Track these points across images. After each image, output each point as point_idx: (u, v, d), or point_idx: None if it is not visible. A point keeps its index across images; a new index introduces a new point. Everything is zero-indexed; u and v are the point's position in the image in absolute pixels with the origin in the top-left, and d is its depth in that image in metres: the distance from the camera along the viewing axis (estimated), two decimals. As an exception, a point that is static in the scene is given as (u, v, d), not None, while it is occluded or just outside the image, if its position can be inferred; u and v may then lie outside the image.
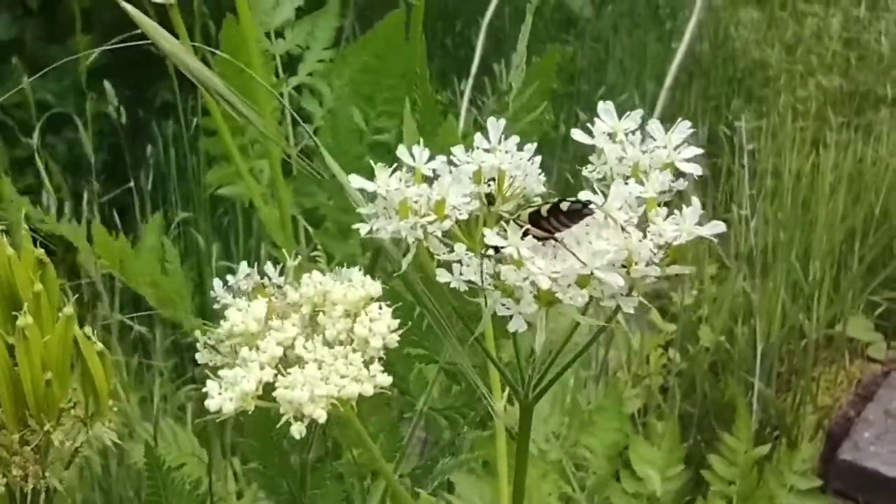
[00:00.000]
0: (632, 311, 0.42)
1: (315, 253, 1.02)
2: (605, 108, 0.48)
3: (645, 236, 0.42)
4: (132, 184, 1.89)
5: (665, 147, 0.46)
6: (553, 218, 0.42)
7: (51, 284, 0.51)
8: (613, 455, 1.36)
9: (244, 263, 0.62)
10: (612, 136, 0.47)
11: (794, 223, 1.90)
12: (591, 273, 0.41)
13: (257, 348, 0.41)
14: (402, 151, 0.45)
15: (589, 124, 0.48)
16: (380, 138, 1.06)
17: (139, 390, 1.63)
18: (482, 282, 0.43)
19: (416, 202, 0.44)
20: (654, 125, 0.47)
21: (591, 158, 0.48)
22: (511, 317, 0.42)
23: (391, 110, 1.02)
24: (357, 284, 0.42)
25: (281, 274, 0.59)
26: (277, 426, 0.39)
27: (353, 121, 1.05)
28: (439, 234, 0.43)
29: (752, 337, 1.86)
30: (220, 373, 0.40)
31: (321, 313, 0.42)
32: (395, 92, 1.02)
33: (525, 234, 0.42)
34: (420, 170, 0.45)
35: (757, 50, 2.44)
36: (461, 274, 0.44)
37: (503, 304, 0.42)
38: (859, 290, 1.97)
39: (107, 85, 1.70)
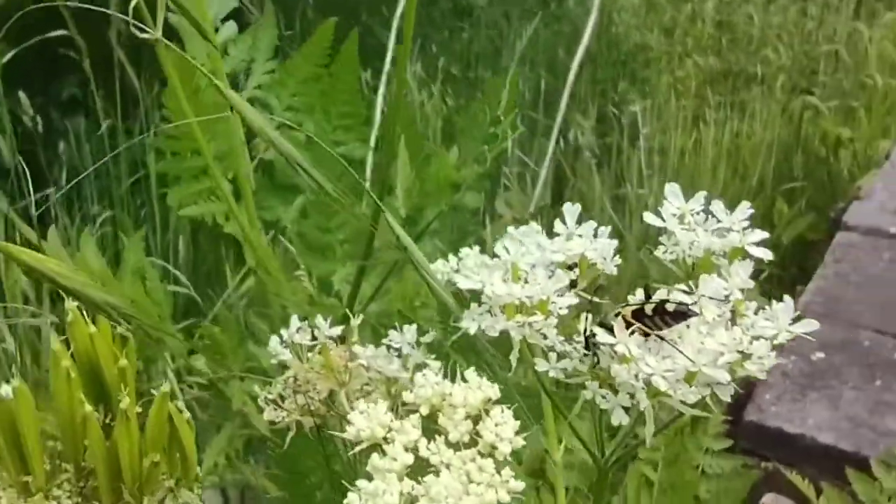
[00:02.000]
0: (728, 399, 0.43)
1: (299, 272, 1.01)
2: (673, 190, 0.48)
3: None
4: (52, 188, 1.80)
5: (731, 230, 0.47)
6: (658, 317, 0.43)
7: (131, 358, 0.49)
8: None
9: (295, 317, 0.61)
10: (680, 217, 0.48)
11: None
12: (699, 370, 0.41)
13: (383, 453, 0.40)
14: (499, 248, 0.44)
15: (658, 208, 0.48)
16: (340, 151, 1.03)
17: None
18: (580, 372, 0.43)
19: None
20: (718, 206, 0.48)
21: (661, 240, 0.48)
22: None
23: (348, 124, 1.01)
24: (474, 386, 0.41)
25: (331, 326, 0.58)
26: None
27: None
28: (546, 331, 0.43)
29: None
30: (359, 483, 0.39)
31: (440, 414, 0.41)
32: (350, 106, 1.00)
33: (630, 331, 0.42)
34: (518, 266, 0.44)
35: (638, 34, 2.48)
36: (558, 362, 0.44)
37: (603, 397, 0.43)
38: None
39: (22, 95, 1.61)
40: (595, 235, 0.47)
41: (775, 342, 0.42)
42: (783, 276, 2.13)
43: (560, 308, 0.43)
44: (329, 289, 0.99)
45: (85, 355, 0.49)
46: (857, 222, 2.00)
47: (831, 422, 1.64)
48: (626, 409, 0.43)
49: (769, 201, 2.19)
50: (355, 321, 0.60)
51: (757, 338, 0.42)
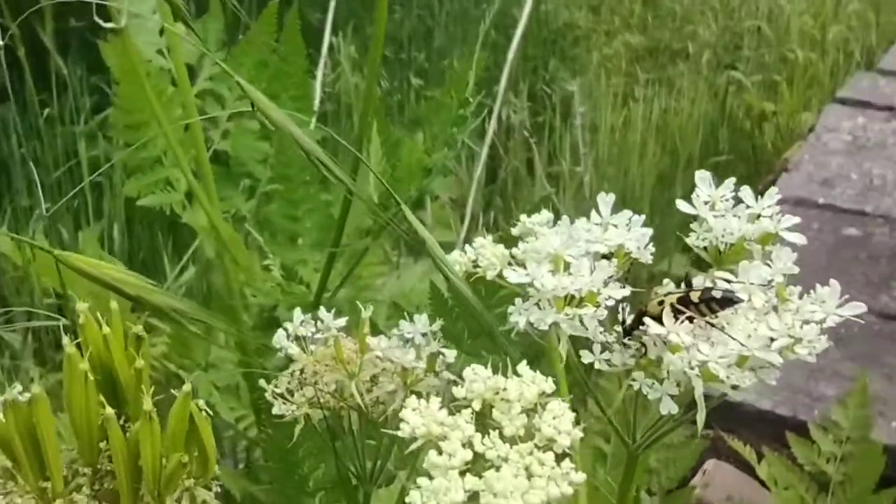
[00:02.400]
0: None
1: (267, 261, 0.98)
2: (702, 176, 0.48)
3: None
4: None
5: (763, 215, 0.46)
6: (704, 304, 0.42)
7: (146, 358, 0.48)
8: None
9: (298, 310, 0.59)
10: (712, 205, 0.47)
11: (618, 175, 1.98)
12: (752, 355, 0.41)
13: (440, 451, 0.39)
14: (541, 243, 0.43)
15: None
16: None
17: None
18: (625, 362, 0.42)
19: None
20: (747, 192, 0.48)
21: (693, 227, 0.47)
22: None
23: (298, 107, 0.99)
24: (528, 380, 0.40)
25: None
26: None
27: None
28: (596, 322, 0.42)
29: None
30: (420, 481, 0.38)
31: (492, 408, 0.40)
32: (299, 89, 0.98)
33: (680, 319, 0.42)
34: (562, 257, 0.43)
35: (566, 12, 2.49)
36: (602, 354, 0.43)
37: (649, 386, 0.42)
38: (676, 230, 2.08)
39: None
40: (629, 225, 0.46)
41: (823, 326, 0.42)
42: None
43: (608, 299, 0.43)
44: (294, 277, 0.97)
45: (97, 358, 0.47)
46: (786, 194, 2.04)
47: (770, 389, 1.68)
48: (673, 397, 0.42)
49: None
50: (366, 313, 0.58)
51: (807, 322, 0.42)
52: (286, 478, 0.70)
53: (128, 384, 0.48)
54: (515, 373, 0.41)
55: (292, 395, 0.58)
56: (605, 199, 0.46)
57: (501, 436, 0.40)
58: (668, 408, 0.42)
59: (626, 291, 0.43)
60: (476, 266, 0.52)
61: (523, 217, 0.53)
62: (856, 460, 1.25)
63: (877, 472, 1.35)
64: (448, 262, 0.52)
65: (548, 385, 0.40)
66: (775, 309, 0.43)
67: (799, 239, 0.46)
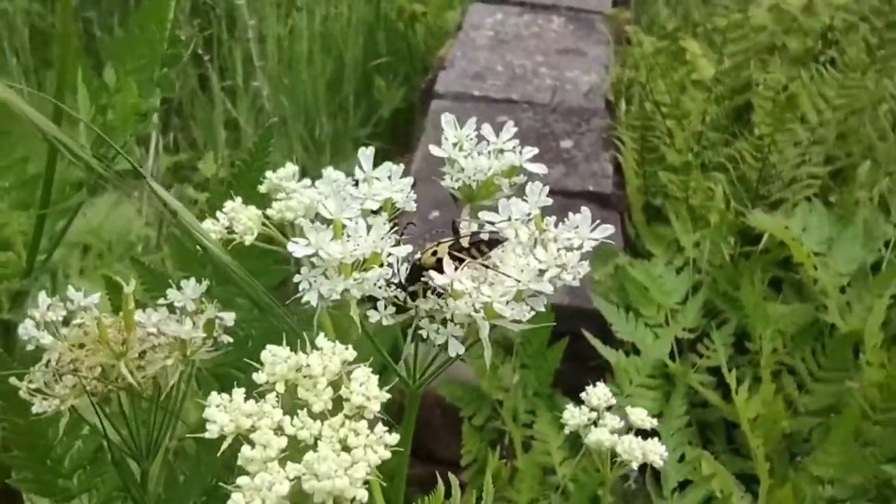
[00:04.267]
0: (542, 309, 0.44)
1: None
2: (447, 119, 0.47)
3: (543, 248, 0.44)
4: None
5: (506, 149, 0.47)
6: (474, 248, 0.42)
7: None
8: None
9: (43, 294, 0.53)
10: (457, 145, 0.47)
11: (294, 84, 1.94)
12: (527, 287, 0.42)
13: (252, 444, 0.37)
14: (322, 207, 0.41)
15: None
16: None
17: None
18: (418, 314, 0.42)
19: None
20: (487, 129, 0.48)
21: (444, 169, 0.47)
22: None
23: (140, 67, 0.87)
24: (328, 352, 0.39)
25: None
26: None
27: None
28: (382, 282, 0.41)
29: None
30: (240, 482, 0.36)
31: (296, 387, 0.38)
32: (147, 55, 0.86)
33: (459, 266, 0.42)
34: (340, 223, 0.42)
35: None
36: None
37: (436, 331, 0.42)
38: (351, 132, 2.10)
39: None
40: (390, 177, 0.45)
41: (582, 251, 0.44)
42: (388, 149, 2.20)
43: (389, 257, 0.42)
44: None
45: None
46: (445, 90, 2.11)
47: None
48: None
49: (368, 78, 2.23)
50: (129, 288, 0.53)
51: (569, 249, 0.44)
52: (38, 463, 0.63)
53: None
54: (314, 346, 0.39)
55: (51, 388, 0.53)
56: (366, 154, 0.45)
57: (310, 413, 0.38)
58: (456, 349, 0.42)
59: (409, 248, 0.42)
60: (231, 232, 0.49)
61: (269, 174, 0.50)
62: (530, 321, 1.36)
63: (548, 330, 1.48)
64: (204, 231, 0.48)
65: (349, 353, 0.39)
66: (538, 241, 0.44)
67: (540, 169, 0.47)
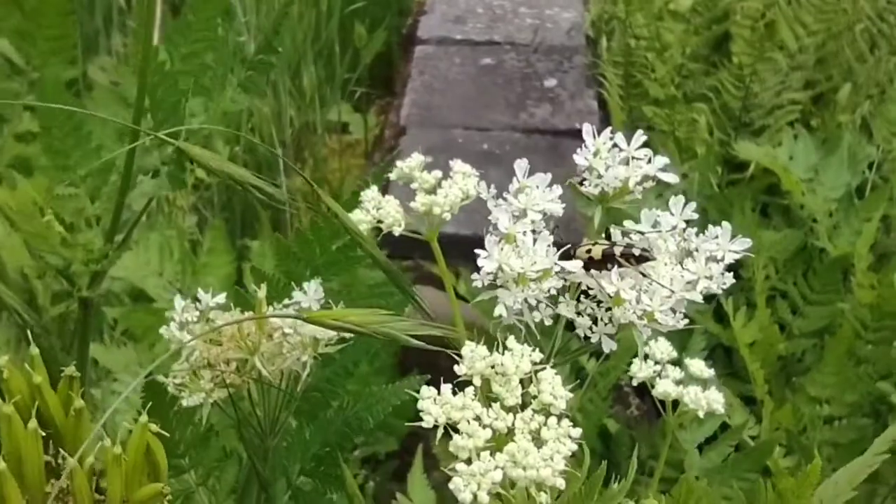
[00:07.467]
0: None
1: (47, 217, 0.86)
2: (587, 129, 0.49)
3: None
4: None
5: (640, 159, 0.49)
6: (623, 258, 0.45)
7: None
8: (229, 284, 1.37)
9: (178, 297, 0.56)
10: (596, 154, 0.49)
11: (282, 39, 1.91)
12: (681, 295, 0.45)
13: (459, 432, 0.40)
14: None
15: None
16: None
17: None
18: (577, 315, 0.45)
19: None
20: (619, 138, 0.50)
21: (585, 175, 0.49)
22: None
23: (54, 47, 0.86)
24: (518, 353, 0.42)
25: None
26: None
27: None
28: (553, 291, 0.44)
29: (271, 139, 1.90)
30: (458, 467, 0.39)
31: (491, 382, 0.42)
32: (58, 28, 0.85)
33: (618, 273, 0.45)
34: (513, 234, 0.44)
35: None
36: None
37: (590, 329, 0.45)
38: (340, 80, 2.09)
39: None
40: (539, 187, 0.47)
41: (723, 262, 0.47)
42: (371, 94, 2.20)
43: (558, 271, 0.44)
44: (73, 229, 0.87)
45: (27, 410, 0.43)
46: (428, 35, 2.11)
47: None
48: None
49: (347, 24, 2.21)
50: (261, 292, 0.56)
51: (714, 260, 0.46)
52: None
53: (64, 427, 0.45)
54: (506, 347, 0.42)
55: (192, 384, 0.56)
56: (521, 165, 0.47)
57: (503, 407, 0.42)
58: (610, 346, 0.45)
59: (579, 264, 0.45)
60: (379, 223, 0.52)
61: (399, 163, 0.53)
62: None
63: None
64: (355, 224, 0.51)
65: (536, 355, 0.42)
66: (687, 252, 0.47)
67: (672, 178, 0.49)
